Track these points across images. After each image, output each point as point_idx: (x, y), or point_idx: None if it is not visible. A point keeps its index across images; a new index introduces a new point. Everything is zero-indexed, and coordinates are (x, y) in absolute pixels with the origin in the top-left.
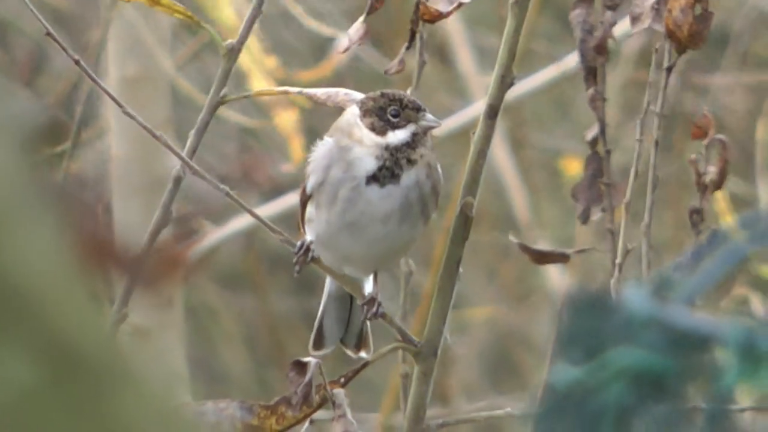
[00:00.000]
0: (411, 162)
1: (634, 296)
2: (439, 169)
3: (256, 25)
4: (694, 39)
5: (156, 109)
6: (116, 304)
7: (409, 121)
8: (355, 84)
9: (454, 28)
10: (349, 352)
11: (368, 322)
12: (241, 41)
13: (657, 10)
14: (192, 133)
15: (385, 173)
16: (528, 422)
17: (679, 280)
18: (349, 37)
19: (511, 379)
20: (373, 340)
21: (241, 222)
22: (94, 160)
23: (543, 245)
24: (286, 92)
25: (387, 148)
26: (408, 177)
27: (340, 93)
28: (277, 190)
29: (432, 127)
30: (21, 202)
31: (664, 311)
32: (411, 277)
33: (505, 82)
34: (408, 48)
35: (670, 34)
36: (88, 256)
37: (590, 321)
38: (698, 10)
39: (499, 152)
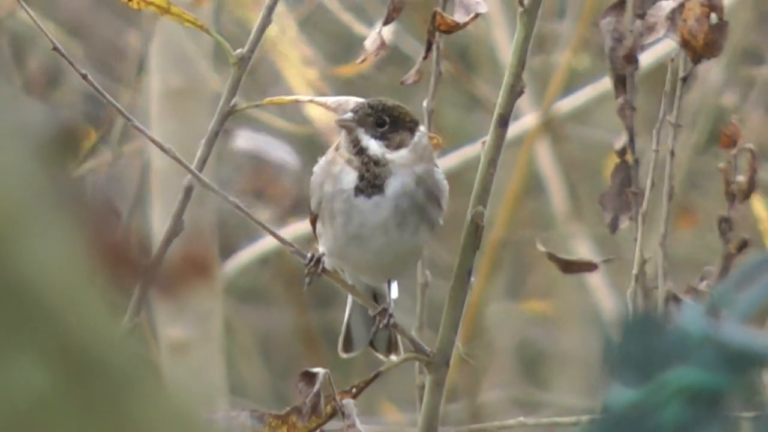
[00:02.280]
0: (378, 164)
1: (688, 315)
2: (436, 175)
3: (293, 33)
4: (710, 48)
5: (199, 120)
6: (129, 311)
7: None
8: (392, 77)
9: (501, 38)
10: (380, 355)
11: (396, 330)
12: (251, 49)
13: (672, 20)
14: (202, 143)
15: (366, 184)
16: None
17: (732, 298)
18: (365, 48)
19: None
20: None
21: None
22: (130, 172)
23: (581, 241)
24: (297, 101)
25: (359, 155)
26: (393, 187)
27: (351, 101)
28: (296, 206)
29: (339, 125)
30: (36, 206)
31: (719, 330)
32: (427, 288)
33: (515, 90)
34: (425, 58)
35: (685, 44)
36: (103, 261)
37: (643, 341)
38: (714, 19)
39: (540, 147)
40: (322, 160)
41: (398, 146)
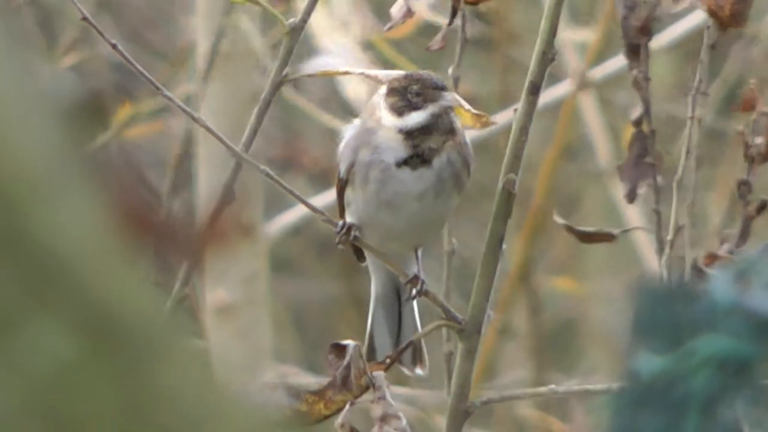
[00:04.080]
0: (434, 150)
1: (717, 283)
2: (469, 143)
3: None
4: (736, 18)
5: (244, 84)
6: (179, 281)
7: (429, 101)
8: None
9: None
10: (405, 370)
11: (422, 340)
12: (304, 19)
13: None
14: (255, 111)
15: (416, 160)
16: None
17: (762, 266)
18: (392, 16)
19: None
20: (420, 320)
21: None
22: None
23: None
24: (348, 73)
25: (402, 130)
26: (439, 159)
27: (400, 75)
28: (324, 175)
29: (450, 107)
30: (61, 174)
31: (748, 298)
32: (453, 255)
33: (546, 57)
34: (450, 24)
35: (712, 14)
36: (129, 228)
37: (672, 309)
38: None
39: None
40: (354, 127)
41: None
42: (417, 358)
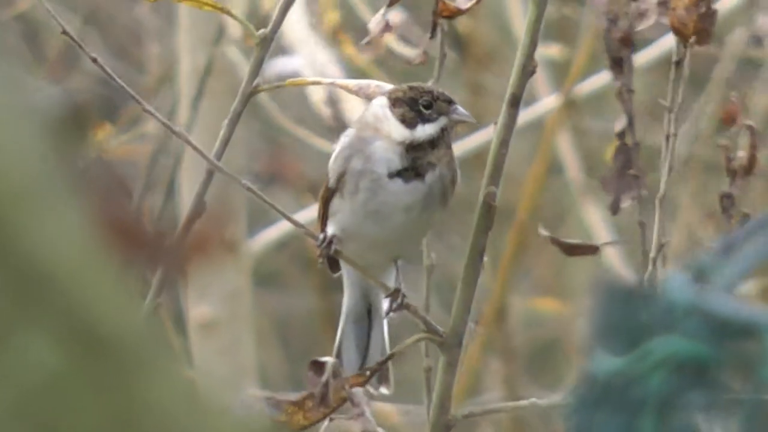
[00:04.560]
0: (431, 165)
1: (674, 284)
2: (454, 158)
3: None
4: (700, 36)
5: (228, 99)
6: (151, 291)
7: (440, 114)
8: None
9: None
10: (370, 389)
11: (390, 363)
12: (274, 30)
13: (664, 4)
14: (225, 123)
15: (411, 173)
16: (565, 412)
17: (718, 267)
18: (370, 30)
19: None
20: (399, 334)
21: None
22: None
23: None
24: (318, 83)
25: (412, 143)
26: (432, 173)
27: (372, 84)
28: (310, 188)
29: (462, 122)
30: (46, 186)
31: (705, 299)
32: (433, 269)
33: (527, 70)
34: (431, 38)
35: (676, 31)
36: (115, 240)
37: (629, 310)
38: (702, 8)
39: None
40: (348, 136)
41: (448, 136)
42: (383, 377)
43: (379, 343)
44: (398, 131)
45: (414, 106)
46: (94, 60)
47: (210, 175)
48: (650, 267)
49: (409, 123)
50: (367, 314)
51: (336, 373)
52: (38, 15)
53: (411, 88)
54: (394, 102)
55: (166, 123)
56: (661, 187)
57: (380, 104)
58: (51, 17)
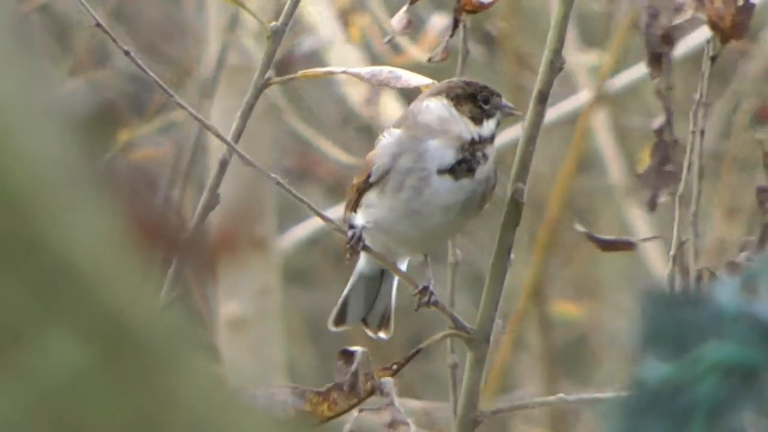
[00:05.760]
0: (485, 156)
1: (723, 290)
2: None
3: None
4: (737, 29)
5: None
6: (166, 285)
7: (497, 109)
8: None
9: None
10: (370, 332)
11: (392, 305)
12: (285, 22)
13: (700, 0)
14: (238, 115)
15: (463, 167)
16: (605, 414)
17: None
18: (391, 28)
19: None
20: (423, 331)
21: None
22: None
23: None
24: (330, 73)
25: (479, 139)
26: (481, 171)
27: (384, 71)
28: (340, 185)
29: (513, 115)
30: (72, 183)
31: (754, 305)
32: (458, 267)
33: (554, 67)
34: (451, 36)
35: (713, 26)
36: (141, 237)
37: (678, 316)
38: (740, 0)
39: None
40: (395, 134)
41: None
42: (383, 323)
43: (387, 298)
44: (468, 129)
45: (476, 102)
46: (127, 53)
47: (223, 166)
48: (670, 264)
49: (476, 120)
50: (379, 276)
51: (366, 363)
52: (67, 8)
53: (468, 84)
54: (457, 100)
55: (197, 116)
56: (681, 184)
57: (442, 104)
58: (82, 11)
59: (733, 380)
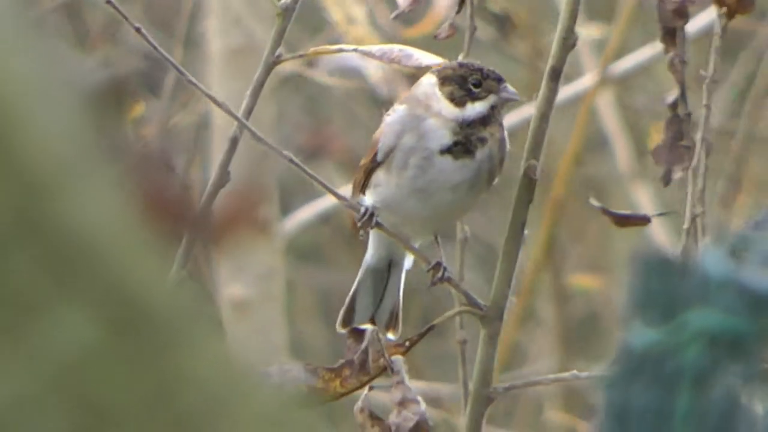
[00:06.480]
0: (482, 141)
1: (710, 257)
2: (507, 138)
3: None
4: (743, 4)
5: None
6: (176, 262)
7: (489, 92)
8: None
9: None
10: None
11: (400, 305)
12: (295, 0)
13: None
14: (248, 93)
15: (460, 148)
16: (601, 383)
17: (756, 241)
18: (399, 3)
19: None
20: (433, 307)
21: (325, 201)
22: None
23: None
24: (341, 50)
25: (463, 122)
26: (482, 151)
27: (395, 50)
28: (354, 162)
29: (512, 100)
30: (84, 159)
31: (741, 273)
32: (467, 243)
33: (567, 43)
34: (458, 12)
35: (719, 1)
36: (153, 214)
37: (666, 282)
38: None
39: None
40: (397, 112)
41: (499, 114)
42: (391, 323)
43: (395, 293)
44: (447, 110)
45: (463, 84)
46: (138, 29)
47: (233, 144)
48: (684, 238)
49: (458, 101)
50: (387, 270)
51: (375, 340)
52: None
53: (461, 66)
54: (443, 80)
55: (209, 94)
56: (693, 159)
57: (429, 82)
58: None
59: (718, 348)
